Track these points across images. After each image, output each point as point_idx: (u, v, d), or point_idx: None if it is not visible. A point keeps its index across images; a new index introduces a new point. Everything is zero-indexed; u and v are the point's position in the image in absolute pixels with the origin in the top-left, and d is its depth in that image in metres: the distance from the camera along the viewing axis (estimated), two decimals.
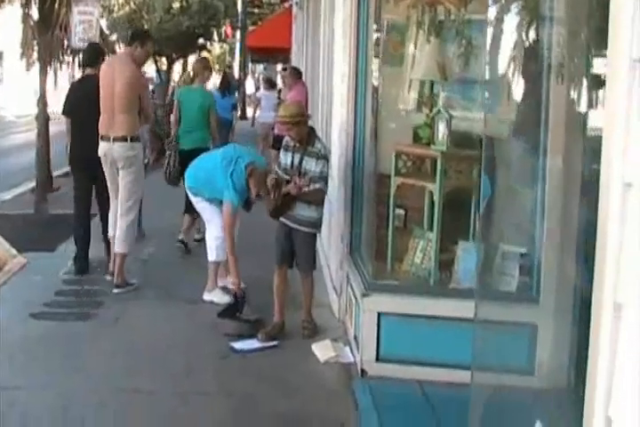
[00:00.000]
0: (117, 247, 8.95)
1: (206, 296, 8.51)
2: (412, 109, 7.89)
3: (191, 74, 12.41)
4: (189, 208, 9.89)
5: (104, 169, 9.02)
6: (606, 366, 2.44)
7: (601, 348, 2.46)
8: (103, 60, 9.88)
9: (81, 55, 10.84)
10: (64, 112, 9.99)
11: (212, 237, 8.54)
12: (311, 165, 7.29)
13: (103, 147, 8.88)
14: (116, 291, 8.78)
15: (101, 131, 8.87)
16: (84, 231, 9.74)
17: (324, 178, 7.31)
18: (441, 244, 7.01)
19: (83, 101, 9.41)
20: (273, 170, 7.86)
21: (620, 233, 2.41)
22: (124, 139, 8.78)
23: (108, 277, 9.07)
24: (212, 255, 8.55)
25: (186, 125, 10.76)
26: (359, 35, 7.69)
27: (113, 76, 8.82)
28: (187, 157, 9.66)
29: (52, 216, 12.89)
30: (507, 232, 5.76)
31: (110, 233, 9.26)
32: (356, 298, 6.92)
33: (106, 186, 9.17)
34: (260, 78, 33.34)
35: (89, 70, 10.01)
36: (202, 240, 9.86)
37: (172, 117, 11.01)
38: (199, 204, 8.58)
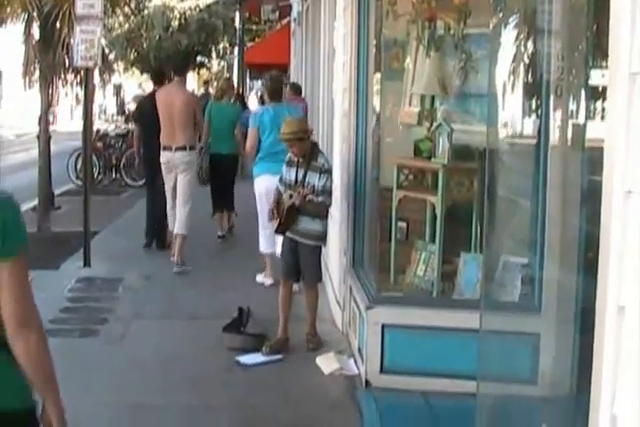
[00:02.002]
0: (178, 229, 10.76)
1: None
2: (413, 123, 7.94)
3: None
4: (216, 207, 12.34)
5: (164, 174, 11.01)
6: (611, 367, 2.49)
7: (605, 349, 2.51)
8: (166, 78, 12.10)
9: (87, 73, 11.30)
10: (136, 121, 12.53)
11: None
12: (314, 180, 7.35)
13: (166, 155, 10.82)
14: (175, 269, 10.44)
15: (164, 142, 10.79)
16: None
17: (327, 192, 7.37)
18: (443, 256, 7.07)
19: (153, 112, 11.01)
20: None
21: (622, 238, 2.47)
22: (183, 148, 10.74)
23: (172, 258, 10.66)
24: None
25: (217, 134, 12.21)
26: (359, 50, 7.75)
27: (171, 98, 10.82)
28: (218, 162, 12.15)
29: (54, 234, 12.91)
30: (508, 243, 5.82)
31: (170, 227, 11.13)
32: (359, 310, 6.95)
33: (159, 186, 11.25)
34: (259, 94, 33.42)
35: (156, 87, 12.24)
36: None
37: (204, 128, 12.02)
38: None
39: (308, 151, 7.48)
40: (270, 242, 9.47)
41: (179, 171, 10.85)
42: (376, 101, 7.80)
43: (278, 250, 8.52)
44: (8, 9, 14.50)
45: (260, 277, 9.89)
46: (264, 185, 9.32)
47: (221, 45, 35.44)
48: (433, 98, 7.66)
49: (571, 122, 5.16)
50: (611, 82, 2.64)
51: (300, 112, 10.20)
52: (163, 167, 10.95)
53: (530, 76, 5.65)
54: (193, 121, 10.95)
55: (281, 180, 7.68)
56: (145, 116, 11.61)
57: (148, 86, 37.30)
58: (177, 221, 10.84)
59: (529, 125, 5.94)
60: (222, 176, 12.35)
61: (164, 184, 11.19)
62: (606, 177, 2.61)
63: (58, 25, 14.10)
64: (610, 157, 2.60)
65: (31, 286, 2.94)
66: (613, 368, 2.49)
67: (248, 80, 32.68)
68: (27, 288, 2.90)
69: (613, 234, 2.51)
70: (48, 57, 14.41)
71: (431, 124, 7.45)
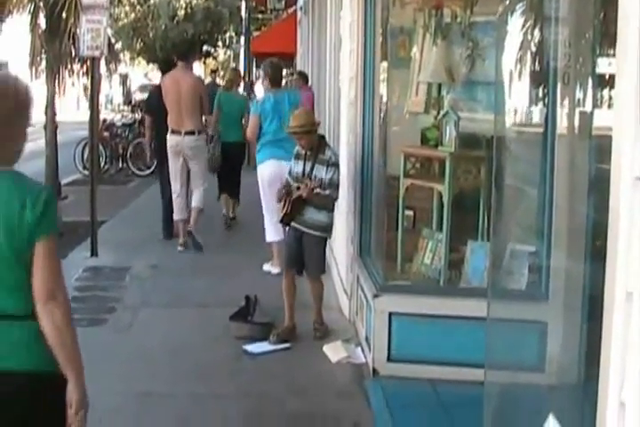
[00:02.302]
0: (195, 203, 11.32)
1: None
2: (420, 111, 7.94)
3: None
4: (221, 191, 12.80)
5: (170, 157, 11.19)
6: (619, 353, 2.49)
7: (613, 335, 2.51)
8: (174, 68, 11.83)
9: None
10: (146, 111, 12.81)
11: None
12: (322, 173, 7.35)
13: (174, 139, 11.04)
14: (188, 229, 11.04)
15: (172, 126, 11.04)
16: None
17: (334, 185, 7.37)
18: (450, 244, 7.07)
19: (163, 102, 11.24)
20: (284, 179, 7.88)
21: (630, 224, 2.47)
22: (192, 132, 11.02)
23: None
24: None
25: (225, 123, 12.52)
26: (366, 38, 7.73)
27: (178, 84, 11.09)
28: (225, 150, 12.35)
29: (61, 224, 12.89)
30: (515, 231, 5.81)
31: (175, 216, 11.35)
32: (366, 299, 6.96)
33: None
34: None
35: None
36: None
37: (214, 116, 12.39)
38: None
39: (315, 144, 7.48)
40: (277, 230, 9.44)
41: (188, 157, 11.17)
42: (383, 90, 7.78)
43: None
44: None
45: (267, 266, 9.92)
46: (268, 171, 9.51)
47: (228, 34, 35.43)
48: (440, 86, 7.66)
49: (578, 110, 5.15)
50: (619, 67, 2.63)
51: (300, 99, 10.19)
52: (169, 151, 11.14)
53: (537, 63, 5.64)
54: (200, 105, 11.20)
55: (290, 173, 7.68)
56: (155, 106, 11.71)
57: (155, 76, 37.34)
58: (194, 196, 11.34)
59: (536, 113, 5.92)
60: (229, 163, 12.56)
61: None
62: (614, 163, 2.60)
63: (64, 15, 14.13)
64: (618, 144, 2.59)
65: (61, 266, 3.34)
66: (622, 355, 2.49)
67: (255, 69, 32.58)
68: (57, 266, 3.31)
69: (622, 220, 2.50)
70: (54, 47, 14.46)
71: (438, 113, 7.45)
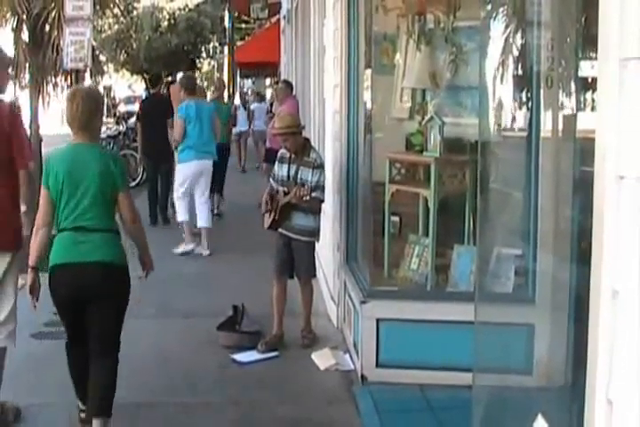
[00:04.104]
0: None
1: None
2: (405, 117, 7.95)
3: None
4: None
5: None
6: (606, 351, 2.50)
7: (600, 334, 2.52)
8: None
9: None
10: (138, 119, 14.43)
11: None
12: (307, 175, 7.35)
13: None
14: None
15: None
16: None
17: (320, 187, 7.37)
18: (436, 249, 7.07)
19: (153, 111, 13.57)
20: (267, 183, 7.89)
21: (616, 223, 2.48)
22: None
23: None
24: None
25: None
26: (350, 45, 7.74)
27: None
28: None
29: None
30: (502, 234, 5.82)
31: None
32: (354, 305, 6.96)
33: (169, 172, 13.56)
34: (250, 92, 33.46)
35: (153, 90, 15.17)
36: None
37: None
38: None
39: (300, 147, 7.49)
40: (185, 211, 11.67)
41: None
42: (367, 97, 7.78)
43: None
44: None
45: (179, 249, 11.53)
46: (192, 170, 11.67)
47: (211, 45, 35.48)
48: (424, 92, 7.68)
49: (561, 113, 5.17)
50: (601, 67, 2.64)
51: (213, 108, 12.30)
52: None
53: (520, 67, 5.66)
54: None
55: (274, 177, 7.67)
56: (146, 115, 13.77)
57: (139, 88, 37.29)
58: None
59: (520, 117, 5.94)
60: (216, 162, 13.22)
61: (162, 175, 13.83)
62: (598, 162, 2.62)
63: (47, 27, 14.12)
64: (601, 143, 2.61)
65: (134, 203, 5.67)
66: (608, 353, 2.49)
67: (239, 79, 32.62)
68: (134, 205, 5.61)
69: (606, 219, 2.51)
70: (38, 60, 14.43)
71: (422, 118, 7.46)
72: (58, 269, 5.38)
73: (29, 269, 5.44)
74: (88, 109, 5.36)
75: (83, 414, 5.73)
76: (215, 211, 14.10)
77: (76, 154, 5.44)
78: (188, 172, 11.66)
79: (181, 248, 11.58)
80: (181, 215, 11.79)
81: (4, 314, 6.03)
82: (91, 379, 5.52)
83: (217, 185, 13.90)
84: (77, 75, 11.39)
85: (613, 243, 2.47)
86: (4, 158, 5.71)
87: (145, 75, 35.96)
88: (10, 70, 5.41)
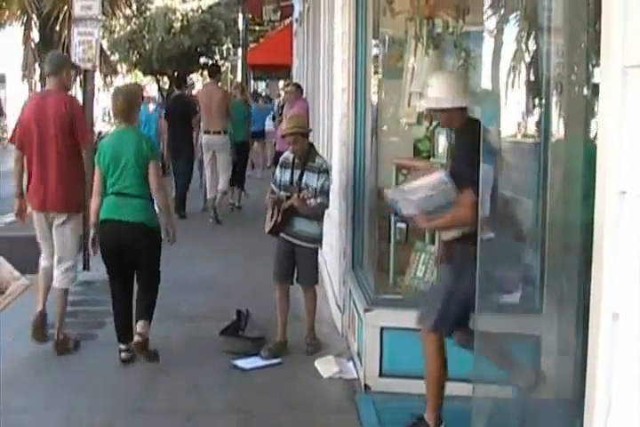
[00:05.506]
0: (221, 186, 14.79)
1: None
2: (412, 122, 7.87)
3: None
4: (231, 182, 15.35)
5: (204, 150, 14.86)
6: (605, 375, 2.40)
7: (599, 357, 2.42)
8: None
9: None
10: (165, 117, 16.08)
11: None
12: (312, 180, 7.27)
13: (206, 137, 14.67)
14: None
15: (205, 127, 14.67)
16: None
17: (325, 192, 7.29)
18: None
19: (178, 110, 15.39)
20: (269, 187, 7.80)
21: (616, 242, 2.38)
22: (219, 132, 14.59)
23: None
24: None
25: (235, 125, 15.31)
26: (358, 49, 7.69)
27: (209, 95, 14.78)
28: (237, 147, 15.34)
29: None
30: (508, 242, 5.73)
31: (209, 196, 14.92)
32: (358, 313, 6.88)
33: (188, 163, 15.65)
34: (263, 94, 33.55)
35: (178, 91, 17.60)
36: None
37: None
38: None
39: (305, 151, 7.40)
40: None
41: (217, 151, 14.70)
42: (375, 101, 7.71)
43: None
44: (7, 12, 14.48)
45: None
46: None
47: (225, 46, 35.49)
48: None
49: (571, 119, 5.07)
50: (603, 77, 2.55)
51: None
52: (204, 146, 14.80)
53: (530, 73, 5.57)
54: (226, 112, 14.69)
55: (275, 182, 7.58)
56: (172, 113, 15.60)
57: (152, 88, 37.30)
58: (220, 180, 14.75)
59: (529, 123, 5.85)
60: (237, 159, 15.48)
61: (185, 169, 15.53)
62: (600, 177, 2.52)
63: (57, 27, 14.09)
64: (603, 157, 2.51)
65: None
66: (608, 377, 2.40)
67: (252, 81, 32.61)
68: (160, 174, 7.26)
69: (606, 238, 2.41)
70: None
71: (430, 124, 7.37)
72: (104, 223, 7.16)
73: (91, 226, 7.31)
74: (127, 104, 7.21)
75: (123, 354, 7.18)
76: (236, 204, 16.09)
77: (119, 137, 7.27)
78: None
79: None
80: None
81: (64, 254, 7.63)
82: (138, 294, 7.33)
83: (238, 179, 15.65)
84: (86, 74, 11.26)
85: (613, 263, 2.37)
86: (71, 139, 7.49)
87: (158, 76, 36.00)
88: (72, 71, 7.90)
